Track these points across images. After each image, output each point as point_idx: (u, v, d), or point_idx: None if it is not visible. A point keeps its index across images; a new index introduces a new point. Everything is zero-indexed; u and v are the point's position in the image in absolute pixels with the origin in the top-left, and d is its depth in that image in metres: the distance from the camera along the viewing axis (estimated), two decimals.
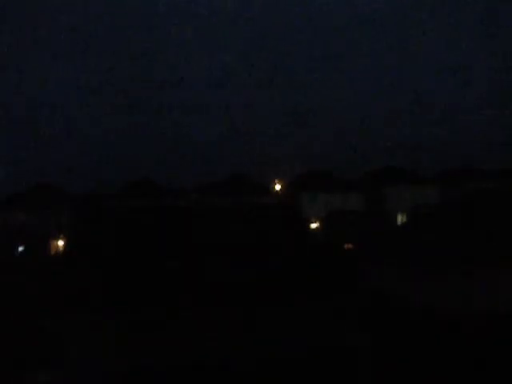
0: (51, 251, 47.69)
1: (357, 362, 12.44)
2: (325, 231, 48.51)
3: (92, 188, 61.70)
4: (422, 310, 17.87)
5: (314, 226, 50.32)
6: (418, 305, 18.49)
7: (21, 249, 46.10)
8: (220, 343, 14.03)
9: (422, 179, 60.02)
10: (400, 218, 50.65)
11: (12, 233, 47.29)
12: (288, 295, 18.28)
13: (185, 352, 13.31)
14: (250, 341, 14.17)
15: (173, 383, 11.35)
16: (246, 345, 13.71)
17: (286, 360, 12.52)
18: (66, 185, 60.67)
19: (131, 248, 19.44)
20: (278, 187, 60.53)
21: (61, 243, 46.63)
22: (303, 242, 22.07)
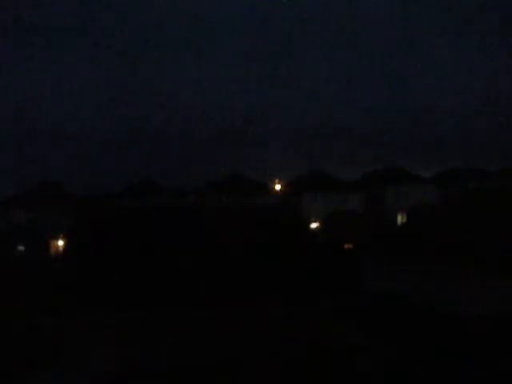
0: (51, 251, 47.64)
1: (357, 361, 12.42)
2: (325, 231, 48.45)
3: (92, 188, 61.62)
4: (422, 309, 17.87)
5: (314, 225, 50.24)
6: (418, 304, 18.48)
7: (21, 249, 46.07)
8: (219, 342, 14.01)
9: (421, 179, 59.84)
10: (400, 218, 50.60)
11: (12, 233, 47.25)
12: (288, 295, 18.22)
13: (186, 352, 13.29)
14: (249, 340, 14.14)
15: (172, 383, 11.33)
16: (246, 344, 13.68)
17: (286, 359, 12.50)
18: (67, 185, 60.49)
19: (131, 247, 19.41)
20: (278, 187, 60.36)
21: (61, 243, 46.57)
22: (304, 242, 22.00)
